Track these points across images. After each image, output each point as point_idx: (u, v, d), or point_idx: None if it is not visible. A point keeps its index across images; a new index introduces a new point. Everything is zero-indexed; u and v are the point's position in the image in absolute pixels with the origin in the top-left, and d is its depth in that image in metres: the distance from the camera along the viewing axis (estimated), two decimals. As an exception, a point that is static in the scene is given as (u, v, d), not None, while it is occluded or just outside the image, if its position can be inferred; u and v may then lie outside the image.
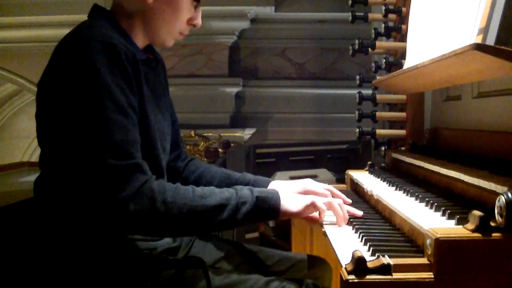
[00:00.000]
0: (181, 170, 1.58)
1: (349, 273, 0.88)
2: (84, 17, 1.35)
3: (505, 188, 0.96)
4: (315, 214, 1.33)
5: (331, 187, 1.50)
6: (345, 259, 0.96)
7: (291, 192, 1.41)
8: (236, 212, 1.22)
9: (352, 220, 1.29)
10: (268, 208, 1.26)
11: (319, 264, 1.57)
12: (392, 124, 2.06)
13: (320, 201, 1.30)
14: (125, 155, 1.15)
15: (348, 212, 1.32)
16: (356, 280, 0.87)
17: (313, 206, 1.30)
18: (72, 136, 1.16)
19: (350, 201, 1.45)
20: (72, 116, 1.16)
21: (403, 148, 1.94)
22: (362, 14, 1.99)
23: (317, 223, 1.34)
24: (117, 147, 1.15)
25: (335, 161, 3.26)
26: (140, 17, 1.35)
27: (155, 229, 1.21)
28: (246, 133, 4.75)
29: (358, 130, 1.92)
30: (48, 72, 1.23)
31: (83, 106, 1.15)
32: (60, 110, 1.18)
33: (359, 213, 1.34)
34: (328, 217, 1.33)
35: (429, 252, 0.88)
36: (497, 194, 0.92)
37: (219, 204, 1.21)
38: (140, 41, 1.38)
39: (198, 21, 1.41)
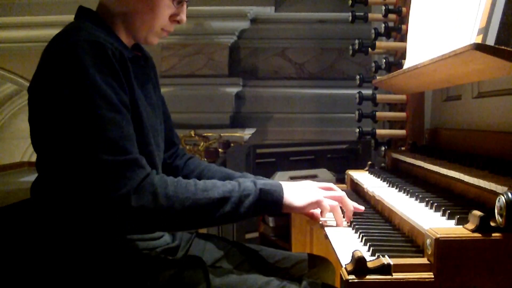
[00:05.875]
0: (180, 168, 1.58)
1: (349, 273, 0.88)
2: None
3: (505, 188, 0.96)
4: (317, 211, 1.32)
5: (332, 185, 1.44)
6: (345, 259, 0.96)
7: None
8: (239, 205, 1.21)
9: (352, 220, 1.29)
10: (271, 200, 1.25)
11: (321, 263, 1.56)
12: (392, 124, 2.06)
13: (326, 202, 1.29)
14: (121, 150, 1.15)
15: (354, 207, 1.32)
16: (356, 280, 0.87)
17: (316, 204, 1.29)
18: (66, 137, 1.16)
19: (362, 208, 1.37)
20: (64, 117, 1.16)
21: (403, 148, 1.94)
22: (362, 14, 1.99)
23: (317, 224, 1.34)
24: (112, 144, 1.14)
25: (335, 161, 3.26)
26: (121, 15, 1.35)
27: (157, 224, 1.20)
28: (246, 133, 4.75)
29: (358, 130, 1.92)
30: (38, 76, 1.23)
31: (74, 107, 1.15)
32: (52, 112, 1.18)
33: (361, 207, 1.34)
34: (329, 220, 1.32)
35: (429, 252, 0.88)
36: (497, 194, 0.92)
37: (222, 197, 1.20)
38: (126, 39, 1.37)
39: (182, 17, 1.38)
